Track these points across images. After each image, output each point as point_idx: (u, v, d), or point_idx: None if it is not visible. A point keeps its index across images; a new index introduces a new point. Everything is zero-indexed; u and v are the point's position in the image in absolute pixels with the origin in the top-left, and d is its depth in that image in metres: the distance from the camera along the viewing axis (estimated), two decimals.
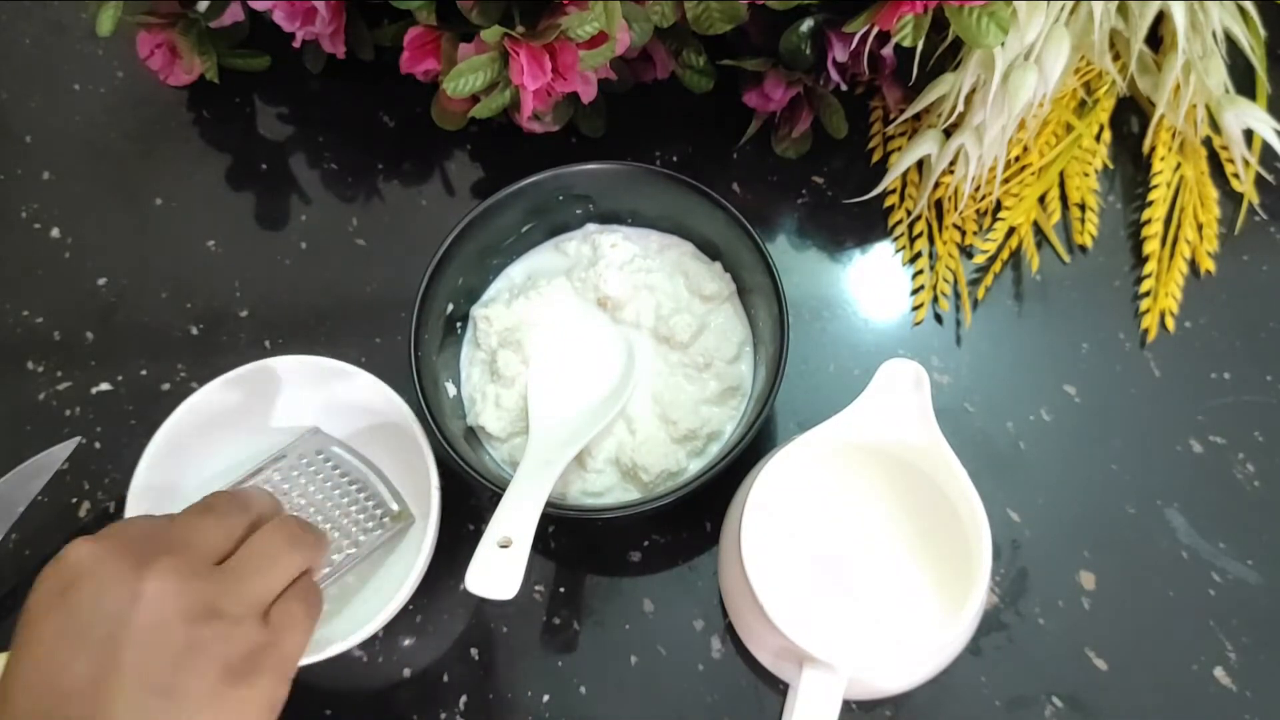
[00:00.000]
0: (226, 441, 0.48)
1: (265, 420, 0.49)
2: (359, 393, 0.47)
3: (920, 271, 0.55)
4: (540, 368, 0.50)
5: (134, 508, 0.44)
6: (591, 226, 0.54)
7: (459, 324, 0.52)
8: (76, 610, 0.32)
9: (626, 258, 0.52)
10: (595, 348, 0.51)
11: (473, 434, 0.50)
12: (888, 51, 0.52)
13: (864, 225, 0.57)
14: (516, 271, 0.54)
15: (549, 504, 0.42)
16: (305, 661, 0.41)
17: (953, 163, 0.54)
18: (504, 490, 0.43)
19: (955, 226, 0.55)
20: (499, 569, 0.39)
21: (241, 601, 0.33)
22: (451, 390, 0.50)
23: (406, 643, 0.48)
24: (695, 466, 0.48)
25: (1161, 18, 0.55)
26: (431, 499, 0.44)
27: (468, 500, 0.50)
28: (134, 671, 0.31)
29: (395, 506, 0.48)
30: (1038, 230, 0.56)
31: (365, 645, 0.48)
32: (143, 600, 0.31)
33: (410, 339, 0.47)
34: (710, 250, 0.53)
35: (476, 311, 0.52)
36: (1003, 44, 0.47)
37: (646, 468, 0.47)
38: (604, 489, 0.48)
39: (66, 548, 0.33)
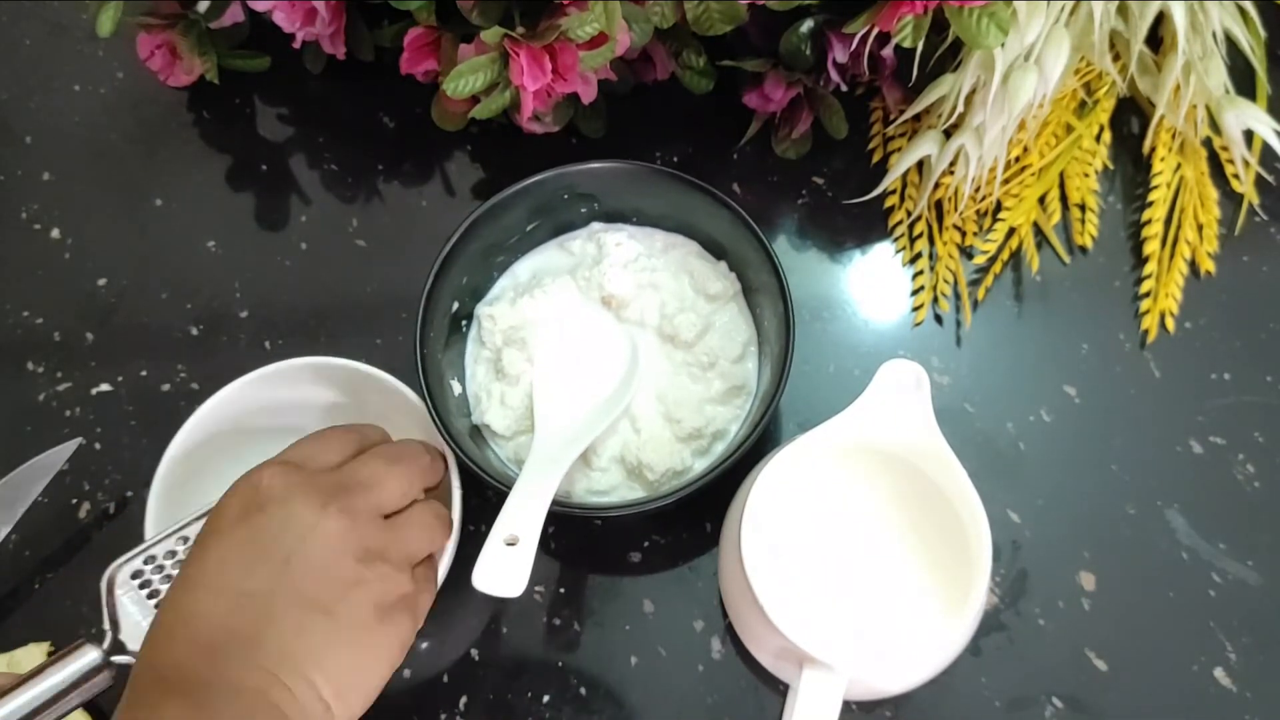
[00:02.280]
0: (252, 440, 0.48)
1: (290, 421, 0.49)
2: (388, 399, 0.47)
3: (920, 272, 0.55)
4: (545, 366, 0.50)
5: (155, 504, 0.44)
6: (596, 225, 0.54)
7: (464, 322, 0.52)
8: (263, 530, 0.36)
9: (631, 256, 0.52)
10: (600, 346, 0.51)
11: (478, 432, 0.50)
12: (888, 52, 0.52)
13: (864, 225, 0.57)
14: (521, 270, 0.54)
15: (555, 502, 0.42)
16: None
17: (953, 163, 0.54)
18: (509, 488, 0.43)
19: (955, 227, 0.55)
20: (506, 567, 0.39)
21: (401, 553, 0.38)
22: (456, 388, 0.50)
23: None
24: (700, 465, 0.48)
25: (1161, 18, 0.55)
26: (454, 510, 0.44)
27: (472, 499, 0.50)
28: (305, 588, 0.35)
29: None
30: (1038, 231, 0.56)
31: None
32: (320, 533, 0.36)
33: (415, 337, 0.47)
34: (715, 249, 0.53)
35: (481, 310, 0.52)
36: (1003, 45, 0.47)
37: (651, 466, 0.47)
38: (609, 487, 0.48)
39: (261, 471, 0.37)
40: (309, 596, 0.35)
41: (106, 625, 0.40)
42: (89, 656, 0.38)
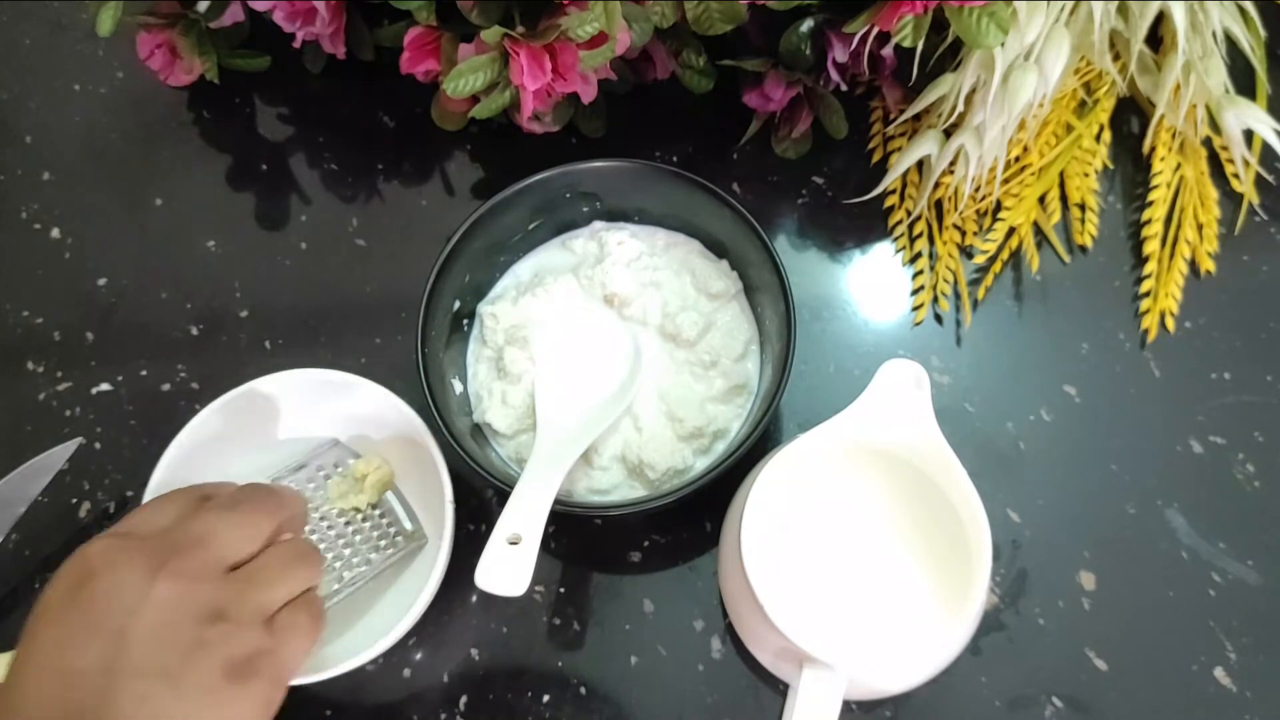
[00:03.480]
0: (244, 451, 0.48)
1: (283, 432, 0.49)
2: (377, 408, 0.47)
3: (920, 272, 0.55)
4: (547, 365, 0.50)
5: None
6: (598, 224, 0.54)
7: (465, 321, 0.52)
8: (90, 604, 0.33)
9: (633, 255, 0.52)
10: (602, 345, 0.51)
11: (479, 431, 0.50)
12: (888, 52, 0.52)
13: (864, 225, 0.57)
14: (523, 269, 0.54)
15: (556, 501, 0.42)
16: (318, 678, 0.42)
17: (953, 163, 0.54)
18: (510, 488, 0.43)
19: (955, 226, 0.55)
20: (508, 566, 0.39)
21: (247, 607, 0.35)
22: (458, 387, 0.50)
23: (406, 644, 0.48)
24: (701, 464, 0.48)
25: (1161, 18, 0.55)
26: (445, 521, 0.44)
27: (472, 499, 0.50)
28: (141, 659, 0.32)
29: (409, 526, 0.48)
30: (1038, 230, 0.56)
31: None
32: (152, 599, 0.33)
33: (417, 335, 0.47)
34: (717, 248, 0.53)
35: (483, 309, 0.52)
36: (1003, 44, 0.47)
37: (653, 465, 0.47)
38: (610, 486, 0.48)
39: (85, 548, 0.35)
40: (149, 665, 0.32)
41: None
42: None
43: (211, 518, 0.37)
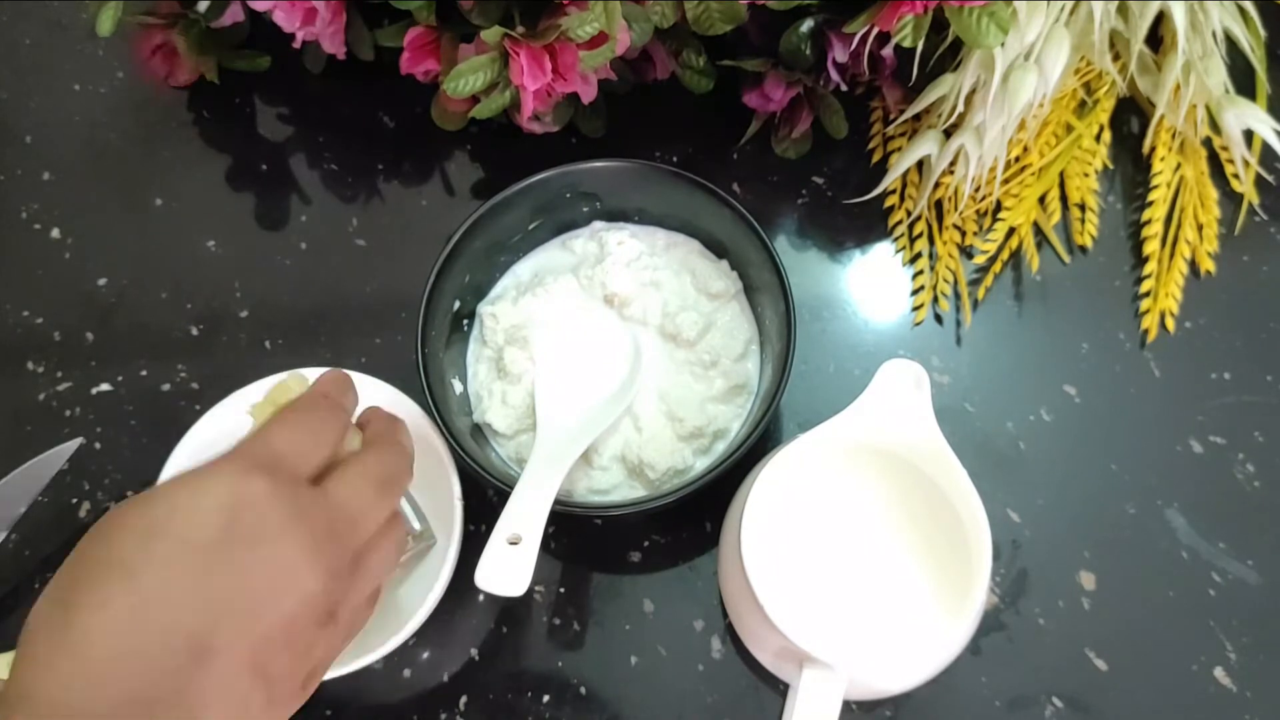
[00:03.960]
0: None
1: None
2: (389, 409, 0.47)
3: (920, 272, 0.55)
4: (547, 365, 0.50)
5: None
6: (598, 224, 0.54)
7: (465, 321, 0.52)
8: (247, 572, 0.29)
9: (633, 255, 0.52)
10: (602, 345, 0.51)
11: (479, 431, 0.50)
12: (888, 52, 0.52)
13: (864, 225, 0.57)
14: (523, 269, 0.54)
15: (556, 501, 0.42)
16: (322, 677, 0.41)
17: (953, 163, 0.54)
18: (511, 488, 0.43)
19: (955, 226, 0.55)
20: (508, 566, 0.39)
21: (349, 611, 0.33)
22: (458, 387, 0.50)
23: (407, 644, 0.48)
24: (701, 464, 0.48)
25: (1161, 18, 0.55)
26: (454, 521, 0.44)
27: (472, 499, 0.50)
28: (261, 655, 0.29)
29: (417, 526, 0.48)
30: (1038, 230, 0.56)
31: None
32: (301, 594, 0.30)
33: (417, 335, 0.47)
34: (717, 248, 0.53)
35: (483, 309, 0.52)
36: (1003, 44, 0.47)
37: (653, 465, 0.47)
38: (610, 486, 0.48)
39: (253, 487, 0.30)
40: (259, 664, 0.29)
41: None
42: None
43: (369, 493, 0.33)
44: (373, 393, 0.47)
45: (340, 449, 0.35)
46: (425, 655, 0.48)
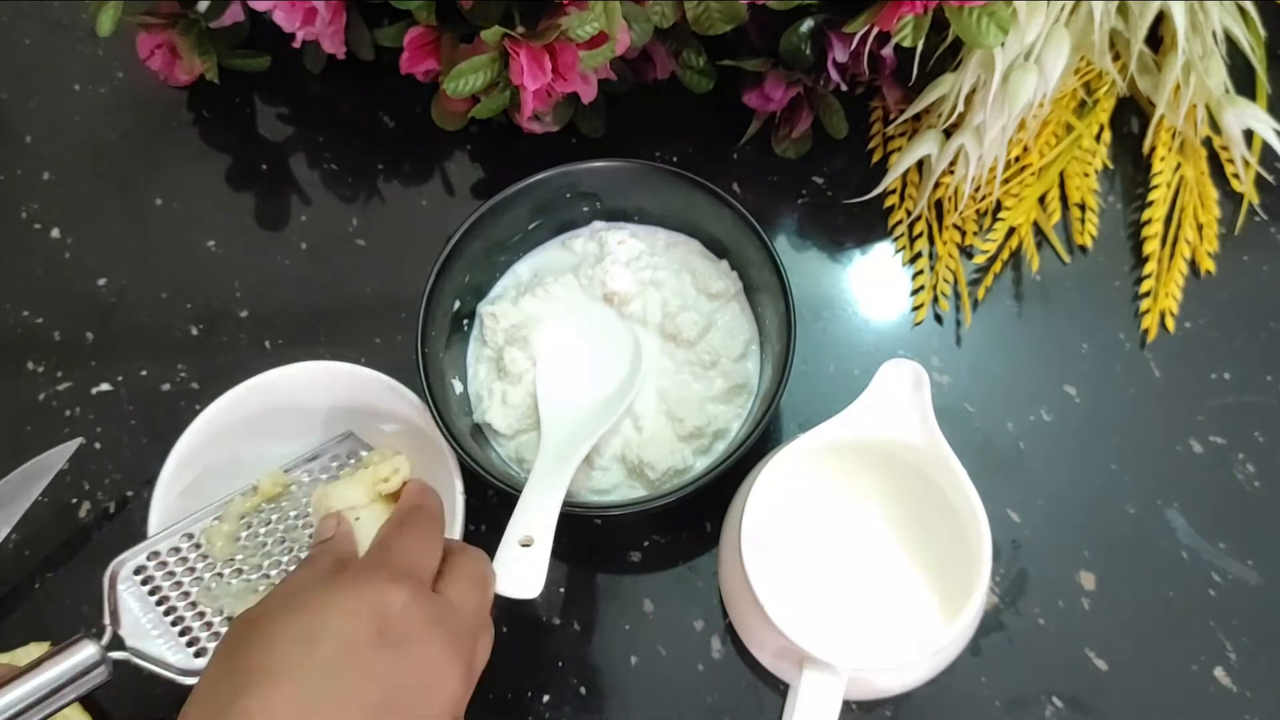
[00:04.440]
0: (258, 440, 0.48)
1: (299, 423, 0.49)
2: (391, 404, 0.47)
3: (920, 271, 0.55)
4: (548, 365, 0.50)
5: (159, 502, 0.44)
6: (598, 224, 0.54)
7: (465, 321, 0.52)
8: (401, 674, 0.31)
9: (633, 255, 0.52)
10: (602, 344, 0.51)
11: (479, 431, 0.50)
12: (888, 52, 0.52)
13: (864, 225, 0.57)
14: (523, 269, 0.54)
15: None
16: None
17: (953, 163, 0.54)
18: (511, 488, 0.43)
19: (955, 226, 0.55)
20: (522, 568, 0.39)
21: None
22: (458, 387, 0.50)
23: None
24: (701, 464, 0.48)
25: (1161, 18, 0.55)
26: (457, 518, 0.44)
27: (472, 499, 0.50)
28: None
29: None
30: (1038, 230, 0.56)
31: None
32: (445, 693, 0.32)
33: (417, 335, 0.47)
34: (717, 248, 0.53)
35: (483, 308, 0.52)
36: (1003, 44, 0.47)
37: (653, 465, 0.47)
38: (610, 486, 0.48)
39: (395, 595, 0.33)
40: None
41: (106, 620, 0.40)
42: (87, 651, 0.38)
43: (474, 593, 0.36)
44: (378, 390, 0.47)
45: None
46: None
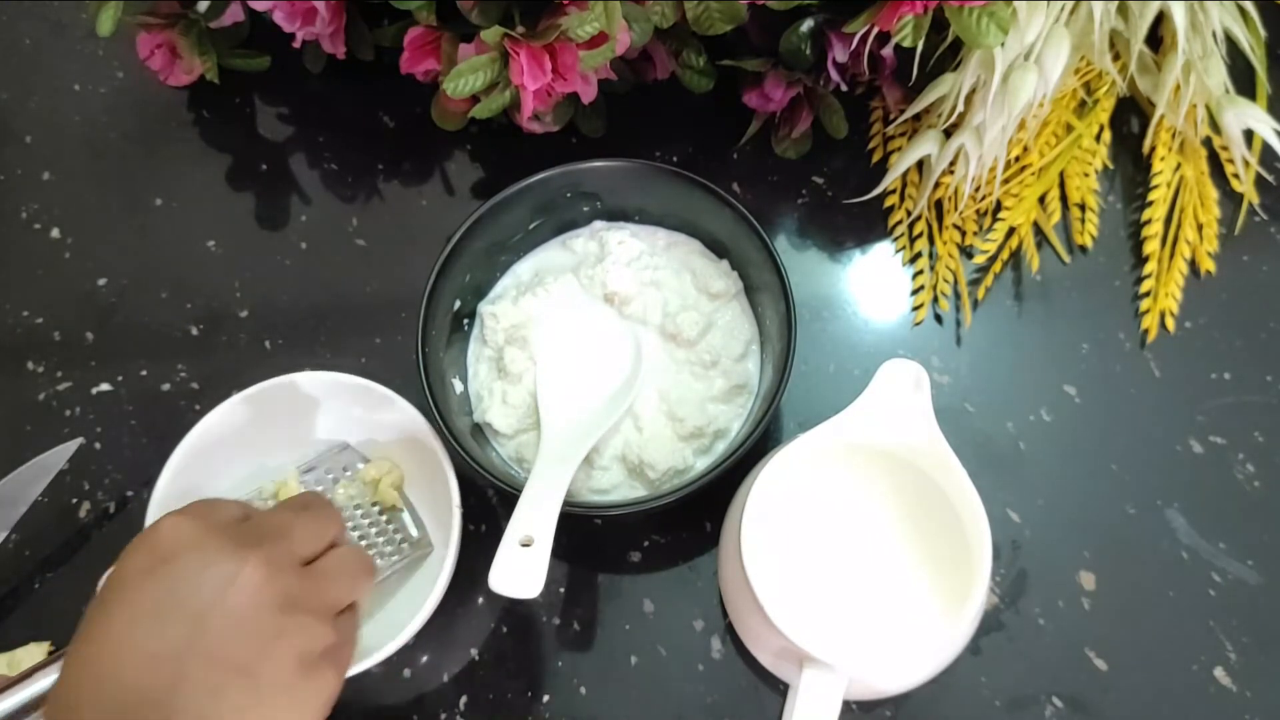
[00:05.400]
0: (254, 452, 0.48)
1: (294, 434, 0.49)
2: (389, 414, 0.47)
3: (920, 271, 0.55)
4: (549, 365, 0.50)
5: (155, 513, 0.44)
6: (599, 224, 0.54)
7: (465, 321, 0.52)
8: (175, 582, 0.33)
9: (633, 255, 0.52)
10: (603, 344, 0.51)
11: (479, 431, 0.50)
12: (888, 52, 0.52)
13: (864, 225, 0.57)
14: (524, 268, 0.54)
15: None
16: None
17: (953, 163, 0.54)
18: (512, 488, 0.43)
19: (955, 226, 0.55)
20: (522, 568, 0.39)
21: (322, 602, 0.35)
22: (458, 387, 0.50)
23: (407, 644, 0.48)
24: (701, 464, 0.48)
25: (1161, 18, 0.55)
26: (453, 528, 0.44)
27: (472, 499, 0.50)
28: (219, 647, 0.32)
29: (415, 533, 0.48)
30: (1038, 230, 0.56)
31: None
32: (240, 583, 0.33)
33: (417, 335, 0.47)
34: (717, 248, 0.53)
35: (484, 308, 0.52)
36: (1003, 44, 0.47)
37: (653, 465, 0.47)
38: (610, 486, 0.48)
39: (162, 521, 0.34)
40: (226, 656, 0.32)
41: None
42: None
43: (287, 515, 0.37)
44: (375, 400, 0.47)
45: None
46: (425, 656, 0.48)
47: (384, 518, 0.48)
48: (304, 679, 0.33)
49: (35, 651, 0.47)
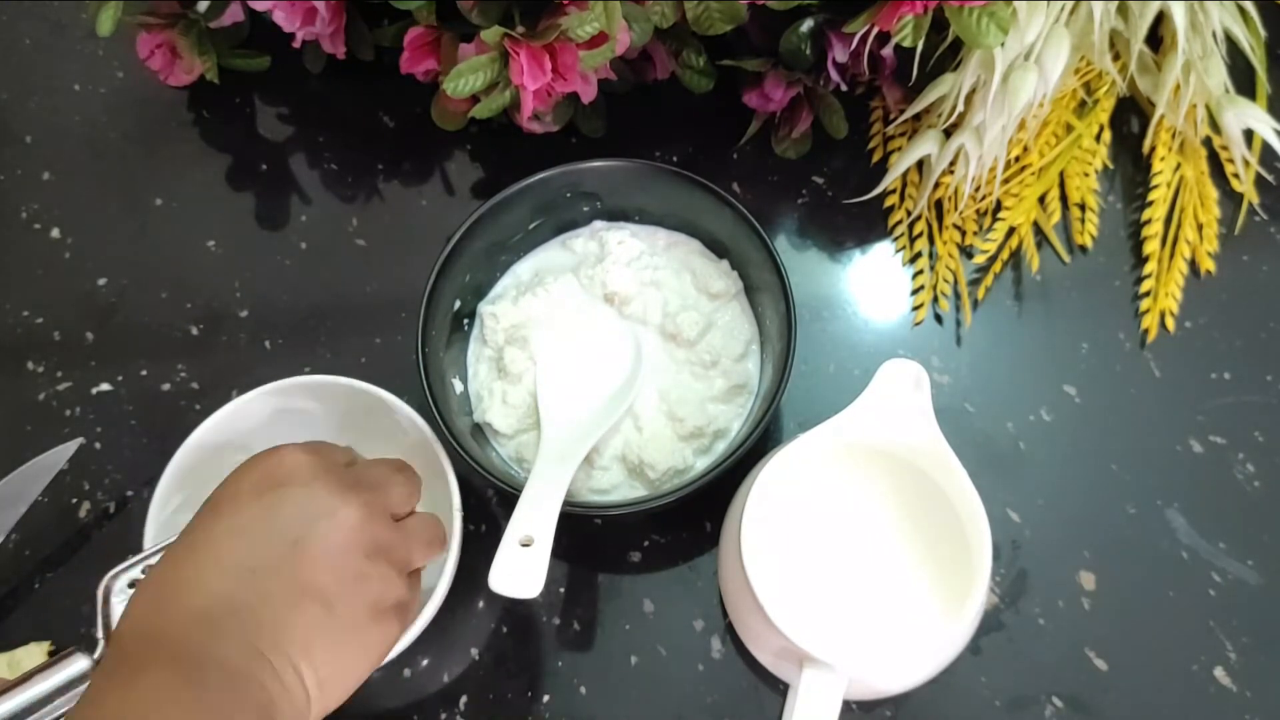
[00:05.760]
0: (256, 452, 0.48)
1: (296, 437, 0.48)
2: (389, 418, 0.47)
3: (920, 271, 0.55)
4: (549, 365, 0.50)
5: (155, 515, 0.44)
6: (599, 223, 0.54)
7: (465, 321, 0.52)
8: (280, 507, 0.35)
9: (633, 255, 0.52)
10: (603, 344, 0.51)
11: (479, 431, 0.50)
12: (888, 52, 0.52)
13: (864, 225, 0.57)
14: (524, 268, 0.54)
15: None
16: None
17: (953, 163, 0.54)
18: (512, 488, 0.43)
19: (955, 226, 0.55)
20: (522, 568, 0.39)
21: (404, 558, 0.38)
22: (458, 387, 0.50)
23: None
24: (701, 464, 0.48)
25: (1161, 18, 0.55)
26: (453, 531, 0.44)
27: (472, 499, 0.50)
28: (308, 574, 0.34)
29: None
30: (1038, 230, 0.56)
31: None
32: (338, 521, 0.35)
33: (417, 335, 0.47)
34: (717, 248, 0.53)
35: (484, 308, 0.52)
36: (1003, 44, 0.47)
37: (653, 465, 0.47)
38: (610, 486, 0.48)
39: (282, 449, 0.37)
40: (312, 584, 0.34)
41: (99, 633, 0.40)
42: (79, 665, 0.38)
43: (386, 469, 0.40)
44: (374, 403, 0.47)
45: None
46: (425, 656, 0.48)
47: None
48: (373, 623, 0.35)
49: (35, 652, 0.47)
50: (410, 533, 0.39)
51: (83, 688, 0.38)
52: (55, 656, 0.39)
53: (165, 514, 0.44)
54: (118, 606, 0.41)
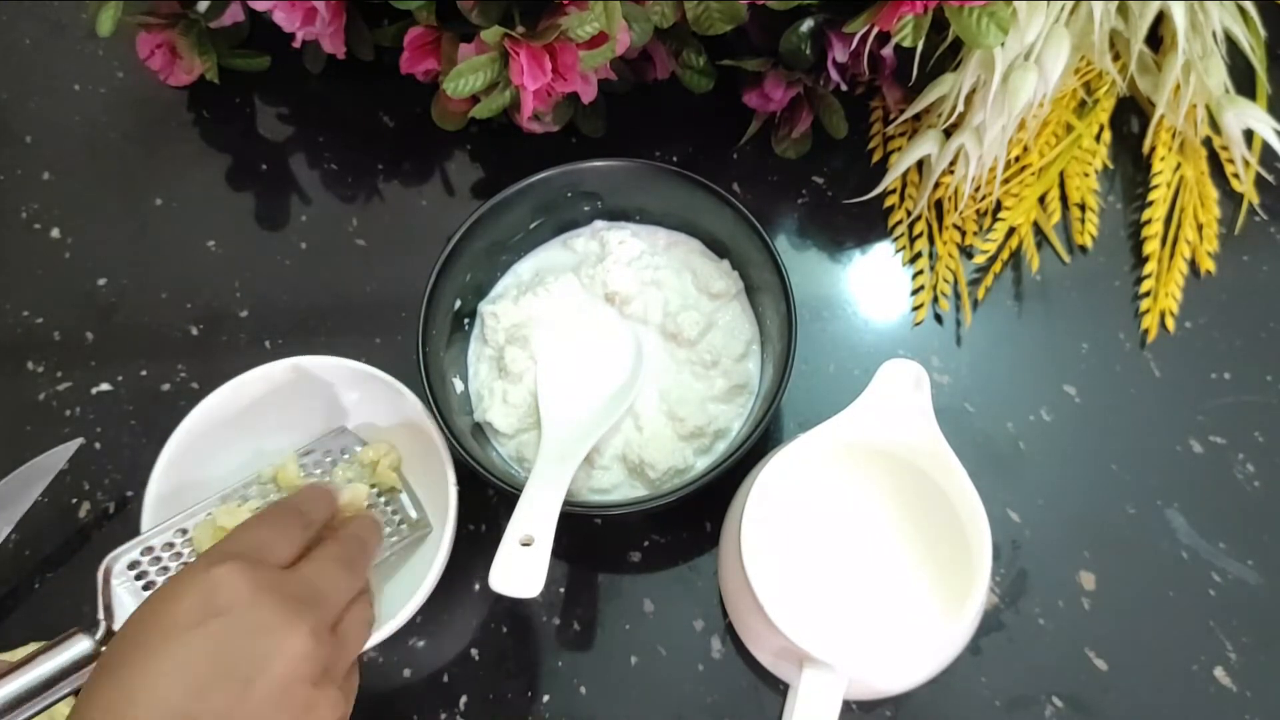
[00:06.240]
0: (252, 435, 0.48)
1: (290, 418, 0.49)
2: (384, 397, 0.47)
3: (920, 271, 0.55)
4: (550, 365, 0.50)
5: (152, 498, 0.44)
6: (599, 223, 0.54)
7: (466, 320, 0.52)
8: (226, 641, 0.33)
9: (634, 254, 0.52)
10: (604, 344, 0.51)
11: (480, 430, 0.50)
12: (888, 52, 0.52)
13: (864, 225, 0.57)
14: (524, 268, 0.54)
15: None
16: None
17: (953, 163, 0.54)
18: (512, 487, 0.43)
19: (955, 226, 0.55)
20: (522, 567, 0.39)
21: (342, 670, 0.36)
22: (459, 386, 0.50)
23: (407, 643, 0.48)
24: (702, 464, 0.48)
25: (1161, 18, 0.55)
26: (449, 509, 0.44)
27: (472, 498, 0.50)
28: (256, 717, 0.32)
29: (414, 514, 0.48)
30: (1038, 230, 0.56)
31: None
32: (287, 654, 0.33)
33: (418, 335, 0.47)
34: (718, 248, 0.53)
35: (484, 308, 0.52)
36: (1003, 44, 0.47)
37: (653, 465, 0.47)
38: (611, 486, 0.48)
39: (216, 573, 0.34)
40: None
41: (100, 615, 0.40)
42: (80, 645, 0.38)
43: (336, 572, 0.38)
44: (370, 383, 0.47)
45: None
46: (425, 655, 0.48)
47: (383, 499, 0.48)
48: None
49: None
50: (347, 640, 0.37)
51: (86, 669, 0.38)
52: (59, 637, 0.39)
53: (163, 495, 0.45)
54: (117, 588, 0.41)
